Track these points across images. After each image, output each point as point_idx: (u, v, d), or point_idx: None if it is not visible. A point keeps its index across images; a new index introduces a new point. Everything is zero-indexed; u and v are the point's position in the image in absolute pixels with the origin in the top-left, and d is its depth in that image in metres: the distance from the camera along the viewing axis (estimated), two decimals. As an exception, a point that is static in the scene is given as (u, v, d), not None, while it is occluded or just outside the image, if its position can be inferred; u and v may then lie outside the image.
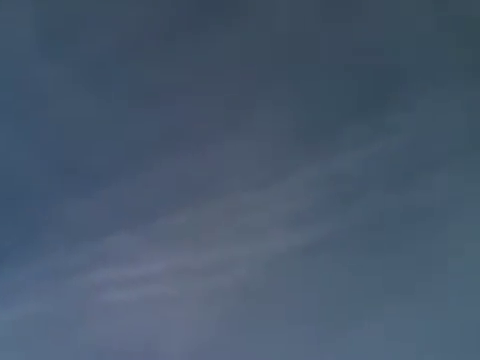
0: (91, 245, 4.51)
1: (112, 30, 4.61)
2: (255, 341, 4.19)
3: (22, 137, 4.68)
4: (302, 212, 4.61)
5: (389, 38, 4.56)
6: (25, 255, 4.48)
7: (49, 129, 4.66)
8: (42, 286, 4.44)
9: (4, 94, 4.70)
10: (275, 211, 4.63)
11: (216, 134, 4.73)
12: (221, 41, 4.65)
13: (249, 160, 4.71)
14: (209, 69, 4.71)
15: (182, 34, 4.71)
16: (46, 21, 4.64)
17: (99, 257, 4.52)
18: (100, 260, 4.52)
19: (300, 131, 4.71)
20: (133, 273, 4.49)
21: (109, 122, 4.68)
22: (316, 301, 4.31)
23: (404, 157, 4.57)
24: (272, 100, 4.73)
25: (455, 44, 4.40)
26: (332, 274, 4.39)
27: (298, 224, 4.59)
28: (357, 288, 4.32)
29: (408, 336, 4.06)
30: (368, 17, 4.52)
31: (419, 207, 4.41)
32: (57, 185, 4.59)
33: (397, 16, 4.51)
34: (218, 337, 4.21)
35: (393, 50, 4.58)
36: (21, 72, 4.66)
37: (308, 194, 4.64)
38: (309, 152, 4.68)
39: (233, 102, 4.75)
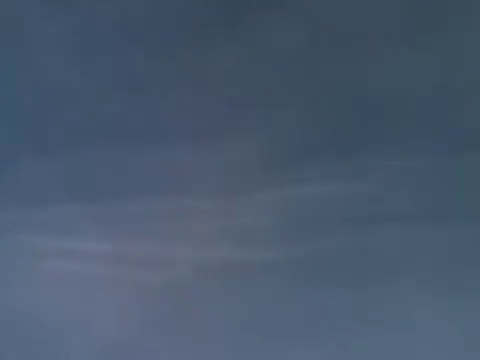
0: (33, 210, 4.44)
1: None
2: (168, 342, 4.03)
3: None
4: (254, 230, 4.55)
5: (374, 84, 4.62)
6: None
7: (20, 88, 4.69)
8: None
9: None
10: (229, 223, 4.57)
11: (189, 137, 4.74)
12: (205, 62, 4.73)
13: (215, 167, 4.69)
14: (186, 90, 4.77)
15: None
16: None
17: (39, 223, 4.44)
18: (39, 226, 4.43)
19: (271, 153, 4.72)
20: (69, 246, 4.39)
21: (89, 98, 4.71)
22: (241, 319, 4.16)
23: (365, 200, 4.54)
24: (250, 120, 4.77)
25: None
26: (266, 295, 4.27)
27: (248, 240, 4.51)
28: (287, 315, 4.19)
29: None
30: (351, 57, 4.61)
31: (371, 247, 4.34)
32: (13, 144, 4.58)
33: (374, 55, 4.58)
34: (133, 328, 4.06)
35: (374, 97, 4.64)
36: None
37: (266, 214, 4.59)
38: (274, 176, 4.67)
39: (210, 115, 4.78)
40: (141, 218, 4.56)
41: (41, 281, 4.28)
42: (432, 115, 4.49)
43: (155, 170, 4.70)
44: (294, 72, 4.73)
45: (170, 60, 4.71)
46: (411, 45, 4.31)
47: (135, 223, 4.55)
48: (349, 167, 4.63)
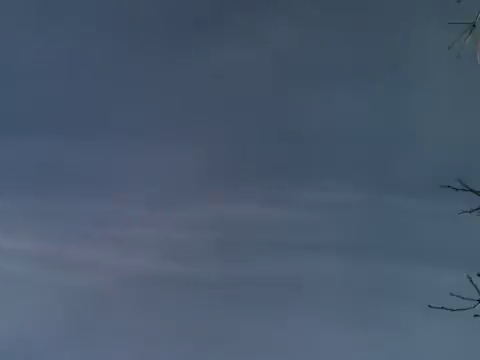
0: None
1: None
2: (83, 344, 4.00)
3: None
4: (183, 244, 4.59)
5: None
6: None
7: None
8: None
9: None
10: (159, 235, 4.59)
11: (128, 142, 4.74)
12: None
13: (153, 177, 4.71)
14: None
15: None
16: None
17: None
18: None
19: (212, 171, 4.78)
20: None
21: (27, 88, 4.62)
22: (156, 329, 4.17)
23: (297, 229, 4.65)
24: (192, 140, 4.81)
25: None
26: (184, 309, 4.30)
27: (175, 253, 4.54)
28: (200, 331, 4.23)
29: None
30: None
31: (294, 273, 4.45)
32: None
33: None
34: (49, 329, 4.01)
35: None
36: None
37: (198, 230, 4.64)
38: (212, 194, 4.73)
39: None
40: (71, 220, 4.52)
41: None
42: (365, 154, 4.67)
43: (91, 173, 4.67)
44: (240, 101, 4.82)
45: (112, 65, 4.70)
46: (350, 87, 4.49)
47: (64, 224, 4.50)
48: (285, 195, 4.76)
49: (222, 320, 4.22)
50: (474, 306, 2.16)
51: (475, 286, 2.16)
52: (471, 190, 2.27)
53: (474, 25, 2.82)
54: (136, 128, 4.72)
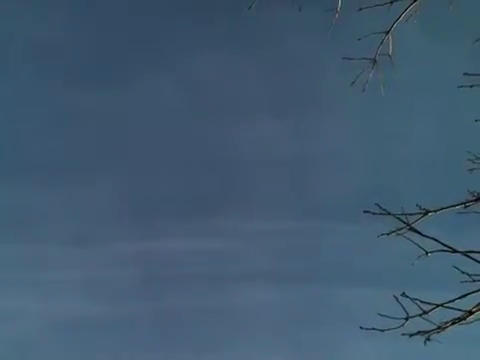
0: None
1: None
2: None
3: None
4: (107, 283, 4.49)
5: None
6: None
7: None
8: None
9: None
10: (81, 275, 4.47)
11: (46, 181, 4.62)
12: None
13: (72, 215, 4.60)
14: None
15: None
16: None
17: None
18: None
19: (131, 206, 4.73)
20: None
21: None
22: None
23: (221, 259, 4.68)
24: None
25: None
26: (110, 350, 4.21)
27: (99, 294, 4.44)
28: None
29: None
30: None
31: (222, 305, 4.47)
32: None
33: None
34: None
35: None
36: None
37: (120, 267, 4.57)
38: (132, 229, 4.68)
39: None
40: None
41: None
42: (287, 180, 4.80)
43: (8, 214, 4.51)
44: (162, 131, 4.84)
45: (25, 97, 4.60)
46: (269, 117, 4.63)
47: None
48: (212, 227, 4.78)
49: (156, 355, 4.17)
50: (402, 324, 2.28)
51: (401, 305, 2.28)
52: (389, 213, 2.40)
53: (375, 60, 3.03)
54: (52, 163, 4.61)
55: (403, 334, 2.22)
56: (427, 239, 2.35)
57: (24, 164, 4.54)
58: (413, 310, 2.34)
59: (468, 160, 2.42)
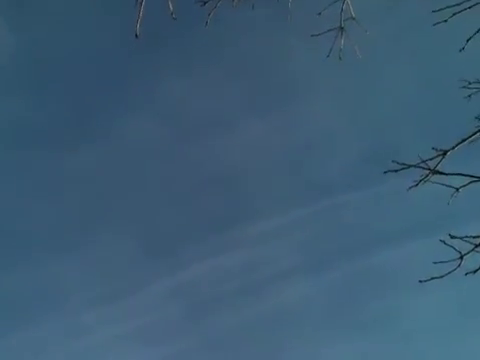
0: None
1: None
2: None
3: None
4: (152, 327, 4.47)
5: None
6: None
7: None
8: None
9: None
10: (123, 327, 4.45)
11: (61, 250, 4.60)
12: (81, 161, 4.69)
13: (94, 277, 4.58)
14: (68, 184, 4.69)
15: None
16: None
17: None
18: None
19: (146, 249, 4.72)
20: None
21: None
22: None
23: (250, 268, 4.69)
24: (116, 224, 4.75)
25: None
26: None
27: (147, 341, 4.42)
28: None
29: None
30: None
31: (269, 316, 4.46)
32: None
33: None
34: None
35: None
36: None
37: (158, 310, 4.55)
38: (156, 267, 4.67)
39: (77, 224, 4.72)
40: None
41: None
42: (289, 172, 4.81)
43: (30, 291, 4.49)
44: (153, 167, 4.83)
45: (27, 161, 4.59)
46: (256, 117, 4.65)
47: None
48: (227, 239, 4.78)
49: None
50: (459, 265, 2.29)
51: (452, 247, 2.29)
52: (409, 165, 2.42)
53: (342, 27, 3.05)
54: (56, 229, 4.59)
55: (467, 273, 2.23)
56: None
57: (30, 237, 4.51)
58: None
59: (462, 87, 2.46)
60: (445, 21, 2.36)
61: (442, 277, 2.34)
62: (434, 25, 2.39)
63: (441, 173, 2.36)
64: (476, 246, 2.25)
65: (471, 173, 2.34)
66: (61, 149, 4.57)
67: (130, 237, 4.69)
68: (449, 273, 2.32)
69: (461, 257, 2.29)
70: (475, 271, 2.22)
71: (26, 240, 4.52)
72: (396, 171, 2.46)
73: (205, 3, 2.61)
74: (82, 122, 4.56)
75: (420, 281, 2.39)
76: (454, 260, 2.32)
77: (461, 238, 2.28)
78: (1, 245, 4.46)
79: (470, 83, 2.45)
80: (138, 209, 4.78)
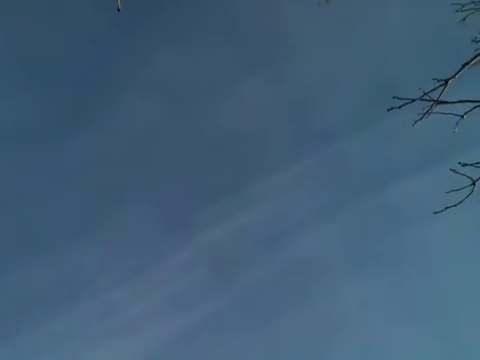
0: None
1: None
2: None
3: None
4: (182, 294, 4.56)
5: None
6: None
7: None
8: None
9: None
10: (153, 299, 4.54)
11: (80, 233, 4.67)
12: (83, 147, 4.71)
13: (116, 256, 4.65)
14: (74, 171, 4.72)
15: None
16: None
17: None
18: None
19: (163, 221, 4.76)
20: None
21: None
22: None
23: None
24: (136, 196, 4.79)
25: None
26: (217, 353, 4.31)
27: (179, 307, 4.52)
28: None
29: None
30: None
31: (292, 265, 4.54)
32: None
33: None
34: None
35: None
36: None
37: (184, 275, 4.63)
38: (176, 237, 4.73)
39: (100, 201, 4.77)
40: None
41: None
42: (290, 125, 4.80)
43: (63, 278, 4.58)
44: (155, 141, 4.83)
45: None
46: (251, 78, 4.63)
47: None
48: (240, 198, 4.82)
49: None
50: (472, 191, 2.32)
51: (463, 174, 2.32)
52: (413, 99, 2.42)
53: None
54: (76, 216, 4.65)
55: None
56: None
57: (47, 227, 4.58)
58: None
59: (456, 11, 2.44)
60: None
61: (456, 205, 2.37)
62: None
63: (444, 102, 2.37)
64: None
65: (474, 98, 2.34)
66: (60, 138, 4.58)
67: (144, 212, 4.74)
68: (463, 201, 2.36)
69: (473, 183, 2.32)
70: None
71: (43, 231, 4.58)
72: (399, 107, 2.47)
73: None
74: (76, 108, 4.55)
75: (435, 212, 2.43)
76: (466, 187, 2.35)
77: (472, 165, 2.31)
78: (21, 239, 4.53)
79: (463, 6, 2.43)
80: (148, 184, 4.81)
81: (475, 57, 2.30)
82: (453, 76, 2.33)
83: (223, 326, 4.46)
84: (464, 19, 2.42)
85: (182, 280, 4.65)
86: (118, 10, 2.32)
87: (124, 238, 4.76)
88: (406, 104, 2.42)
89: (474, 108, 2.31)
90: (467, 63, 2.29)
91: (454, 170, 2.35)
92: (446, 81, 2.34)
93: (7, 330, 4.40)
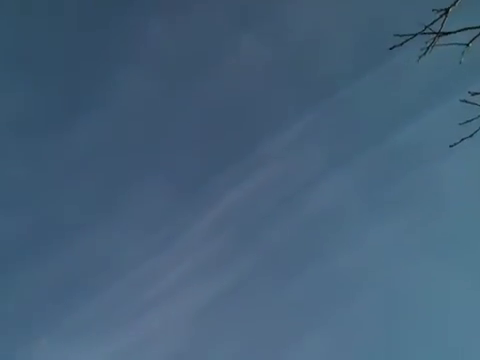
0: None
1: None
2: None
3: None
4: (210, 260, 4.61)
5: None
6: None
7: None
8: None
9: None
10: (184, 266, 4.59)
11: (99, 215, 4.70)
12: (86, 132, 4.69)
13: (139, 233, 4.69)
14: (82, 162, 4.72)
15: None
16: None
17: None
18: None
19: (178, 193, 4.77)
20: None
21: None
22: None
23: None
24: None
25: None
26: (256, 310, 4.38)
27: (210, 273, 4.57)
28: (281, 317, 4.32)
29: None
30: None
31: (313, 218, 4.56)
32: None
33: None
34: None
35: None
36: None
37: (209, 242, 4.67)
38: (194, 206, 4.74)
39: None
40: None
41: None
42: (290, 80, 4.74)
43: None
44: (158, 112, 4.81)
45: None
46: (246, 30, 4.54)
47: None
48: (253, 160, 4.81)
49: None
50: (485, 118, 2.28)
51: (474, 103, 2.28)
52: (414, 34, 2.36)
53: None
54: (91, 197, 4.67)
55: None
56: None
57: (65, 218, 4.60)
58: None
59: None
60: None
61: (472, 136, 2.34)
62: None
63: (447, 33, 2.31)
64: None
65: (477, 25, 2.28)
66: (61, 127, 4.57)
67: (160, 186, 4.76)
68: (478, 130, 2.32)
69: (486, 112, 2.28)
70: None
71: (65, 218, 4.62)
72: (401, 44, 2.41)
73: None
74: (72, 94, 4.52)
75: (450, 146, 2.40)
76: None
77: (482, 92, 2.26)
78: (47, 230, 4.57)
79: None
80: (159, 158, 4.81)
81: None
82: (453, 4, 2.27)
83: (254, 286, 4.52)
84: None
85: (208, 245, 4.69)
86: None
87: (145, 214, 4.78)
88: (408, 40, 2.36)
89: (479, 35, 2.26)
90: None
91: (465, 100, 2.30)
92: (446, 10, 2.27)
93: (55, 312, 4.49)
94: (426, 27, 2.32)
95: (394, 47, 2.42)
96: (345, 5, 4.20)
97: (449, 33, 2.31)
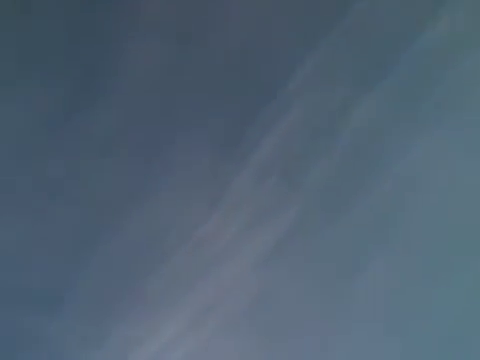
0: None
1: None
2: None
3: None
4: (258, 209, 4.66)
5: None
6: None
7: None
8: None
9: None
10: (238, 221, 4.66)
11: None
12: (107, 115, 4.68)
13: (188, 194, 4.76)
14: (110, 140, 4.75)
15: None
16: None
17: None
18: None
19: (217, 150, 4.75)
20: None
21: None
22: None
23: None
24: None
25: None
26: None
27: (263, 222, 4.64)
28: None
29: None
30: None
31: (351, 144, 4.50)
32: None
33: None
34: None
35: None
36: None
37: (257, 192, 4.70)
38: (236, 158, 4.73)
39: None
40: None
41: None
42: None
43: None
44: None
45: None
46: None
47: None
48: (258, 133, 4.66)
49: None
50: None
51: None
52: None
53: None
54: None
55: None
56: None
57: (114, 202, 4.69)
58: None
59: None
60: None
61: None
62: None
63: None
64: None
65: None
66: (80, 116, 4.55)
67: (194, 149, 4.73)
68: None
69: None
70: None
71: (112, 201, 4.71)
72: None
73: None
74: (84, 80, 4.48)
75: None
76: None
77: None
78: (98, 215, 4.69)
79: None
80: (185, 123, 4.76)
81: None
82: None
83: (308, 228, 4.56)
84: None
85: (257, 194, 4.72)
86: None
87: (190, 176, 4.82)
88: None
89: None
90: None
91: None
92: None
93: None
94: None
95: None
96: None
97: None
